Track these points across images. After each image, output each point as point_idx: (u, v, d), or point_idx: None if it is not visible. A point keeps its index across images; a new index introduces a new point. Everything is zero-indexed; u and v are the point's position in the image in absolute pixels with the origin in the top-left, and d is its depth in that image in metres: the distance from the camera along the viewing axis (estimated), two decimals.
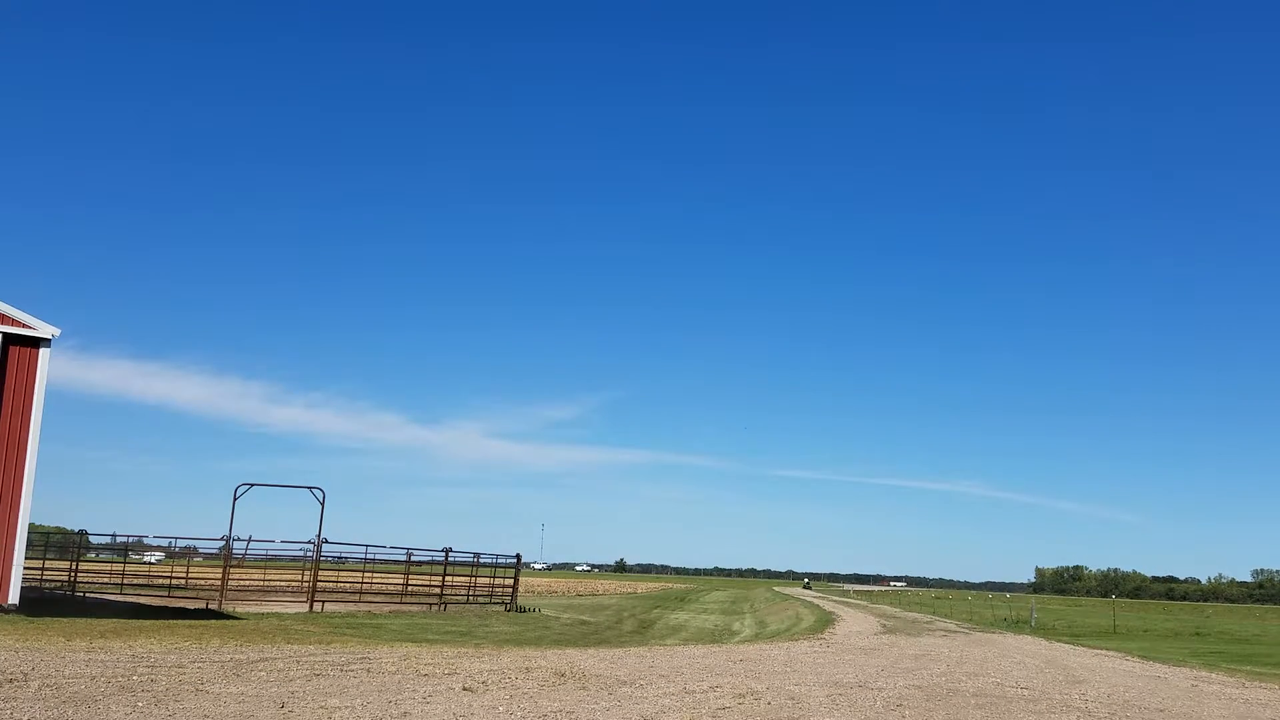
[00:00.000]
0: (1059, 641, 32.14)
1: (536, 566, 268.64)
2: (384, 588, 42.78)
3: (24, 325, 22.20)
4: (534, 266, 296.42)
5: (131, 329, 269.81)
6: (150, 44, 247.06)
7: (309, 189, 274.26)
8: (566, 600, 60.13)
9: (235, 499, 34.57)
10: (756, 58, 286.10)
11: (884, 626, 37.56)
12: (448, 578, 39.90)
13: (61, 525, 71.24)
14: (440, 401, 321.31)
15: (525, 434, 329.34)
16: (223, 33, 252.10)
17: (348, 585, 43.37)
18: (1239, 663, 25.22)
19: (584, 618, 40.36)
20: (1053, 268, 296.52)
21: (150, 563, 70.46)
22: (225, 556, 36.14)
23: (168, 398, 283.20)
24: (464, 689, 12.87)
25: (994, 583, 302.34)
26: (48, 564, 38.37)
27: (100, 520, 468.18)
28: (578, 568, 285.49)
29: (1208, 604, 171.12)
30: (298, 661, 15.32)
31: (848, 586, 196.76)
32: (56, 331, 22.56)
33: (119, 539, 43.24)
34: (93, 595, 35.02)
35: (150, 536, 49.10)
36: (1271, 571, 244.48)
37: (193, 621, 24.42)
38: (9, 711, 9.85)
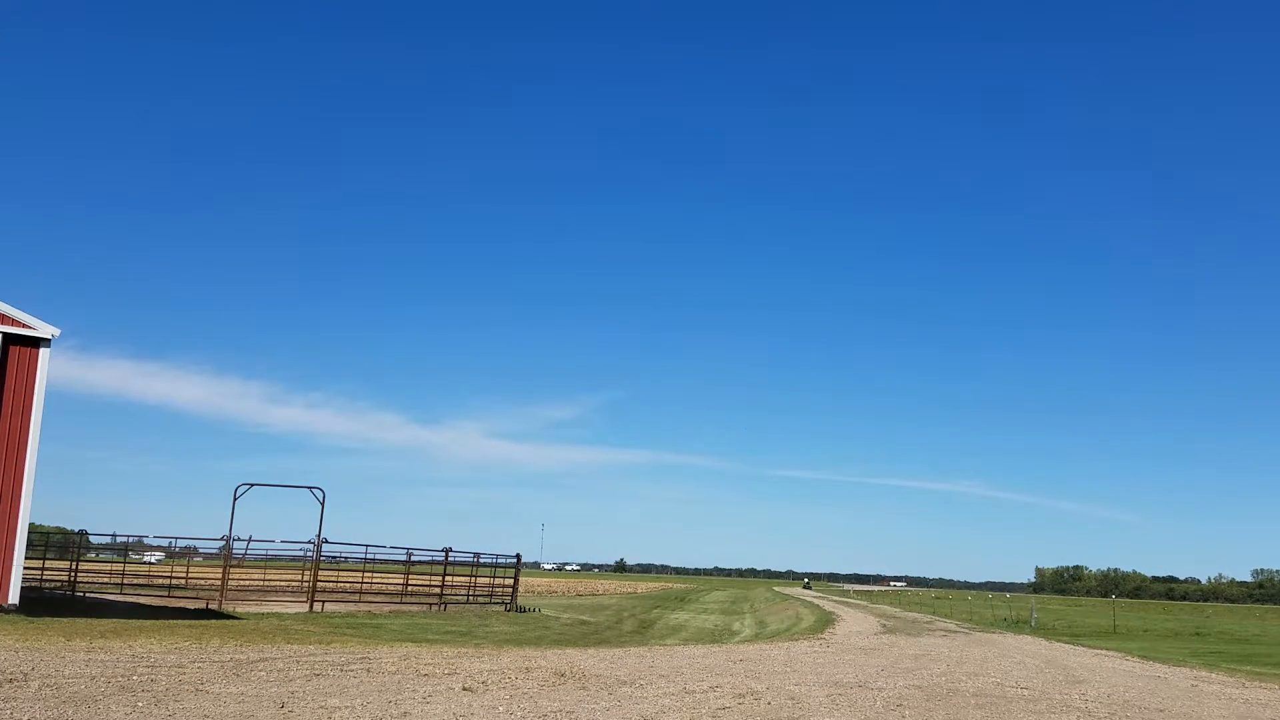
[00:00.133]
0: (1059, 641, 32.14)
1: (547, 567, 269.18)
2: (384, 588, 42.78)
3: (24, 325, 22.20)
4: (534, 266, 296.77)
5: (131, 329, 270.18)
6: (150, 44, 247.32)
7: (309, 189, 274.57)
8: (566, 600, 60.14)
9: (235, 499, 34.59)
10: (756, 58, 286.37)
11: (884, 626, 37.56)
12: (448, 578, 39.90)
13: (61, 525, 71.31)
14: (440, 401, 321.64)
15: (525, 434, 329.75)
16: (223, 33, 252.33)
17: (348, 585, 43.37)
18: (1239, 663, 25.21)
19: (584, 618, 40.37)
20: (1053, 268, 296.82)
21: (150, 563, 70.49)
22: (225, 556, 36.14)
23: (168, 398, 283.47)
24: (464, 689, 12.87)
25: (994, 583, 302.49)
26: (48, 564, 38.36)
27: (100, 520, 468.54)
28: (567, 567, 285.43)
29: (1208, 604, 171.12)
30: (298, 661, 15.32)
31: (848, 586, 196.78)
32: (56, 331, 22.56)
33: (119, 539, 43.24)
34: (93, 595, 35.02)
35: (150, 536, 49.15)
36: (1271, 571, 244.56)
37: (193, 621, 24.42)
38: (9, 711, 9.85)
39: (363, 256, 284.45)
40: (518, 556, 45.10)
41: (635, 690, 13.55)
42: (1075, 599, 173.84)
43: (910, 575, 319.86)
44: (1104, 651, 27.89)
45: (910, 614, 53.57)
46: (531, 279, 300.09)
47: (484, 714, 10.94)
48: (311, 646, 18.18)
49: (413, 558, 41.34)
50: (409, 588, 41.17)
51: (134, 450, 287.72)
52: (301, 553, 43.01)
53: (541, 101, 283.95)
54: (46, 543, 42.04)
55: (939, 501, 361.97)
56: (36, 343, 22.39)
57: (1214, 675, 20.75)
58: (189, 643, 17.76)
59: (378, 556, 41.01)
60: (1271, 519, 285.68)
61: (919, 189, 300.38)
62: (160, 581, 42.83)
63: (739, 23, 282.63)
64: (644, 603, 62.65)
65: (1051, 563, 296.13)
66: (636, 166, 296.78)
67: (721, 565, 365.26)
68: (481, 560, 43.48)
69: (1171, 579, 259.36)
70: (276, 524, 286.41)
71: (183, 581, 40.98)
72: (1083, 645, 30.58)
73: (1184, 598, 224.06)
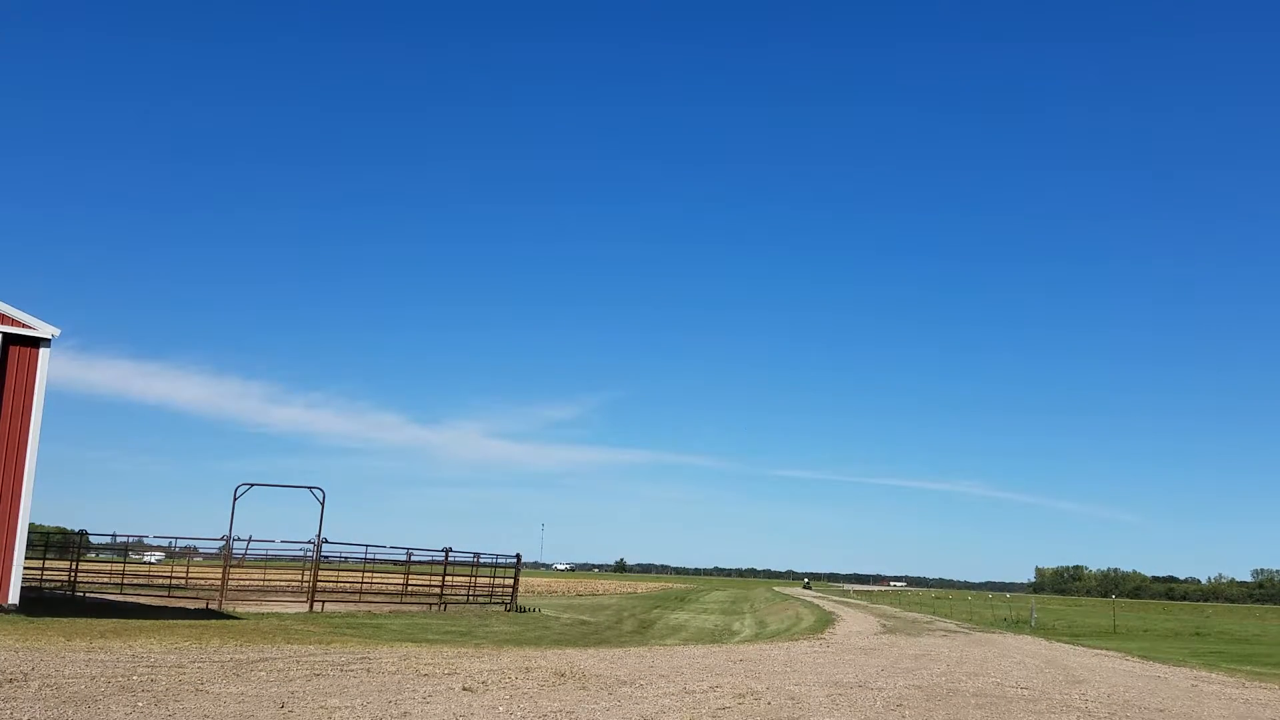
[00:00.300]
0: (1059, 641, 32.14)
1: (561, 567, 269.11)
2: (384, 588, 42.77)
3: (24, 325, 22.20)
4: (534, 266, 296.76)
5: (131, 329, 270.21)
6: (150, 44, 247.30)
7: (309, 189, 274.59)
8: (566, 600, 60.14)
9: (235, 499, 34.59)
10: (756, 58, 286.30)
11: (884, 626, 37.56)
12: (448, 578, 39.89)
13: (61, 525, 71.25)
14: (440, 401, 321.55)
15: (525, 434, 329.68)
16: (223, 33, 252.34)
17: (348, 585, 43.37)
18: (1239, 663, 25.21)
19: (584, 618, 40.38)
20: (1053, 268, 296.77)
21: (150, 563, 70.50)
22: (225, 556, 36.14)
23: (168, 398, 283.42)
24: (464, 689, 12.87)
25: (994, 583, 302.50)
26: (48, 564, 38.35)
27: (100, 520, 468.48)
28: (556, 566, 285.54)
29: (1208, 604, 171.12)
30: (298, 661, 15.32)
31: (848, 586, 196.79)
32: (56, 331, 22.56)
33: (119, 539, 43.23)
34: (93, 595, 35.02)
35: (150, 536, 49.16)
36: (1271, 571, 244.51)
37: (193, 621, 24.42)
38: (9, 711, 9.85)
39: (363, 256, 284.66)
40: (518, 556, 45.11)
41: (635, 690, 13.55)
42: (1075, 599, 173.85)
43: (910, 575, 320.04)
44: (1104, 651, 27.89)
45: (910, 614, 53.57)
46: (531, 279, 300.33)
47: (484, 714, 10.95)
48: (311, 646, 18.18)
49: (413, 558, 41.34)
50: (409, 588, 41.16)
51: (134, 450, 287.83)
52: (301, 553, 43.02)
53: (541, 101, 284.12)
54: (46, 543, 42.02)
55: (939, 501, 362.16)
56: (36, 343, 22.39)
57: (1214, 675, 20.75)
58: (189, 643, 17.76)
59: (378, 556, 41.02)
60: (1271, 519, 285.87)
61: (919, 189, 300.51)
62: (160, 581, 42.84)
63: (739, 23, 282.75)
64: (644, 603, 62.66)
65: (1051, 563, 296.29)
66: (636, 166, 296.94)
67: (721, 565, 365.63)
68: (481, 560, 43.49)
69: (1171, 579, 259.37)
70: (276, 524, 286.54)
71: (183, 581, 40.98)
72: (1083, 645, 30.58)
73: (1184, 598, 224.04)
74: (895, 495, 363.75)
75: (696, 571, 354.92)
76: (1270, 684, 19.10)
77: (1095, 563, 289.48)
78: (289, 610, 32.07)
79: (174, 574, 45.05)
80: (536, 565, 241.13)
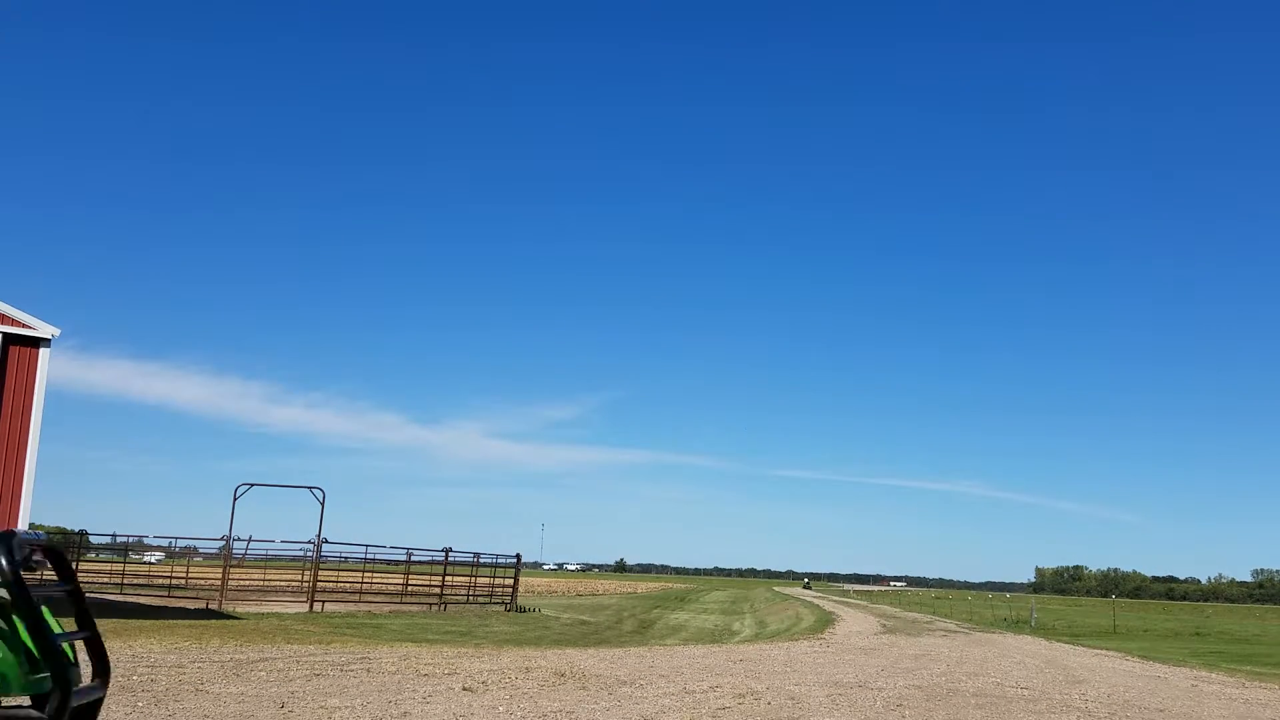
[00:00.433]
0: (1059, 641, 32.14)
1: (571, 567, 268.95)
2: (384, 588, 42.77)
3: (24, 325, 22.20)
4: (534, 266, 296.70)
5: (131, 329, 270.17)
6: (150, 44, 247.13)
7: (309, 189, 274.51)
8: (566, 600, 60.13)
9: (235, 499, 34.58)
10: (757, 58, 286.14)
11: (884, 626, 37.56)
12: (448, 578, 39.88)
13: (61, 525, 71.27)
14: (440, 401, 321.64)
15: (525, 434, 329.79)
16: (223, 33, 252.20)
17: (348, 585, 43.36)
18: (1239, 663, 25.21)
19: (584, 618, 40.37)
20: (1053, 268, 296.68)
21: (150, 563, 70.51)
22: (225, 556, 36.14)
23: (168, 398, 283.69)
24: (464, 689, 12.87)
25: (994, 583, 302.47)
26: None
27: (100, 520, 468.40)
28: (568, 566, 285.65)
29: (1208, 604, 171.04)
30: (298, 661, 15.32)
31: (848, 586, 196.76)
32: (56, 331, 22.56)
33: (119, 539, 43.25)
34: (92, 595, 35.02)
35: (150, 536, 49.24)
36: (1271, 571, 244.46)
37: (193, 621, 24.42)
38: None
39: (363, 256, 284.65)
40: (518, 556, 45.10)
41: (635, 690, 13.55)
42: (1075, 599, 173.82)
43: (910, 575, 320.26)
44: (1104, 651, 27.89)
45: (910, 614, 53.56)
46: (531, 279, 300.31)
47: (484, 714, 10.94)
48: (311, 646, 18.18)
49: (413, 558, 41.34)
50: (409, 588, 41.15)
51: (134, 450, 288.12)
52: (301, 553, 43.02)
53: (541, 101, 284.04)
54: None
55: (939, 501, 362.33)
56: (36, 343, 22.39)
57: (1214, 675, 20.75)
58: (189, 643, 17.76)
59: (378, 556, 41.02)
60: (1271, 519, 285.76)
61: (919, 189, 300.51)
62: (160, 581, 42.83)
63: (739, 22, 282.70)
64: (644, 603, 62.66)
65: (1051, 563, 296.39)
66: (636, 166, 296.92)
67: (721, 565, 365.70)
68: (481, 560, 43.49)
69: (1171, 579, 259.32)
70: (276, 524, 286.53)
71: (183, 581, 40.98)
72: (1083, 645, 30.57)
73: (1184, 598, 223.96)
74: (895, 495, 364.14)
75: (696, 571, 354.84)
76: (1270, 684, 19.10)
77: (1095, 563, 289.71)
78: (289, 610, 32.07)
79: (174, 574, 45.05)
80: (537, 565, 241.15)
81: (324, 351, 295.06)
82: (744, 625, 43.89)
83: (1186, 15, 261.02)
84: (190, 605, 32.39)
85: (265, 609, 32.40)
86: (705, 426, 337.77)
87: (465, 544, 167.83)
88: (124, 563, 42.38)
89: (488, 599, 42.10)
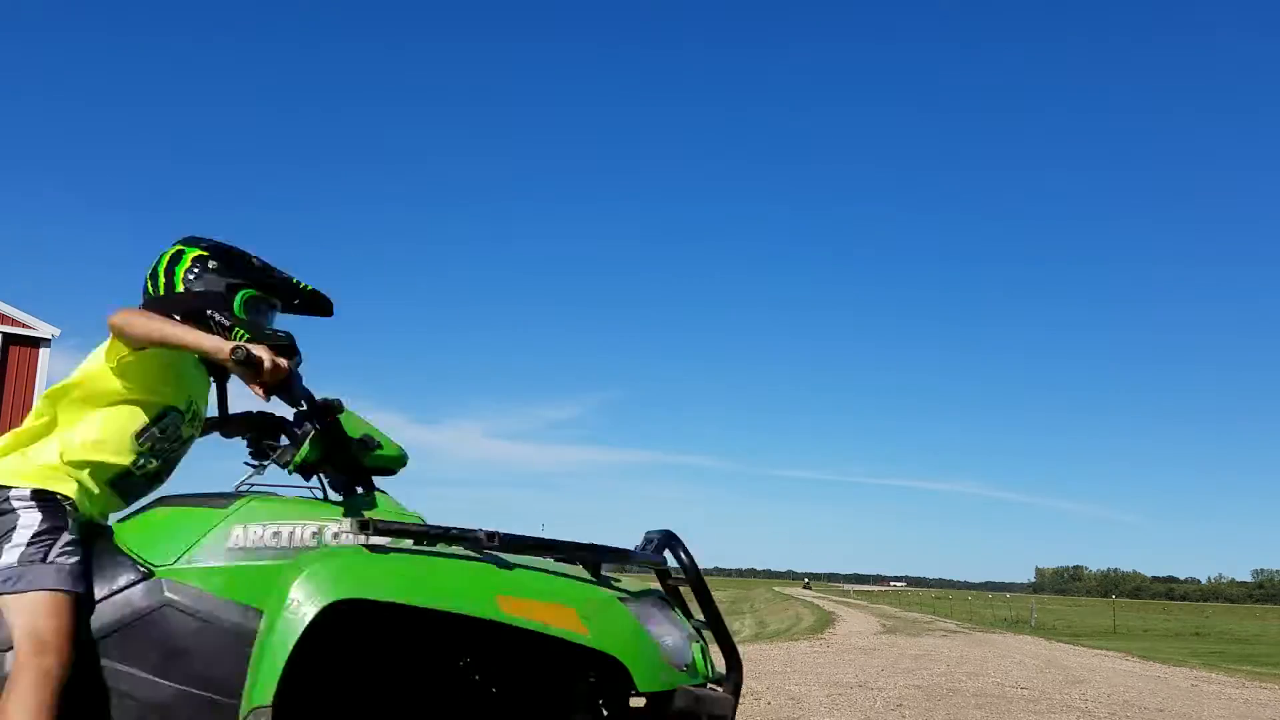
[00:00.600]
0: (1059, 641, 32.14)
1: None
2: None
3: (24, 325, 22.22)
4: (534, 266, 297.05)
5: None
6: (151, 43, 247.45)
7: (309, 189, 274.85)
8: None
9: None
10: (756, 57, 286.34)
11: (884, 626, 37.58)
12: None
13: None
14: (440, 401, 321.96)
15: (525, 434, 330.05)
16: (223, 33, 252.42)
17: None
18: (1239, 663, 25.22)
19: None
20: (1053, 267, 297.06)
21: None
22: None
23: None
24: None
25: (994, 583, 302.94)
26: None
27: None
28: None
29: (1208, 604, 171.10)
30: None
31: (848, 586, 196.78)
32: (56, 331, 22.57)
33: None
34: None
35: None
36: (1271, 571, 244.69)
37: None
38: None
39: (363, 256, 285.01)
40: None
41: None
42: (1075, 599, 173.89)
43: (910, 575, 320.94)
44: (1104, 652, 27.90)
45: (910, 614, 53.58)
46: (531, 279, 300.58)
47: None
48: None
49: None
50: None
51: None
52: None
53: (542, 101, 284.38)
54: None
55: (939, 501, 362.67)
56: (36, 343, 22.40)
57: (1214, 675, 20.76)
58: None
59: None
60: (1271, 519, 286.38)
61: (919, 189, 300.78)
62: None
63: (739, 22, 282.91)
64: None
65: (1051, 563, 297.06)
66: (637, 166, 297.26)
67: (721, 565, 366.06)
68: None
69: (1171, 579, 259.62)
70: None
71: None
72: (1083, 645, 30.58)
73: (1184, 598, 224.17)
74: (895, 495, 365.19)
75: None
76: (1270, 684, 19.11)
77: (1095, 563, 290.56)
78: None
79: None
80: None
81: (324, 351, 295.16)
82: (744, 625, 43.88)
83: (1186, 15, 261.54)
84: None
85: None
86: (705, 426, 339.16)
87: None
88: None
89: None
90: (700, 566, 3.46)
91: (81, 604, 2.63)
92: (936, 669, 19.19)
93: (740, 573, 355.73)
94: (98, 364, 2.91)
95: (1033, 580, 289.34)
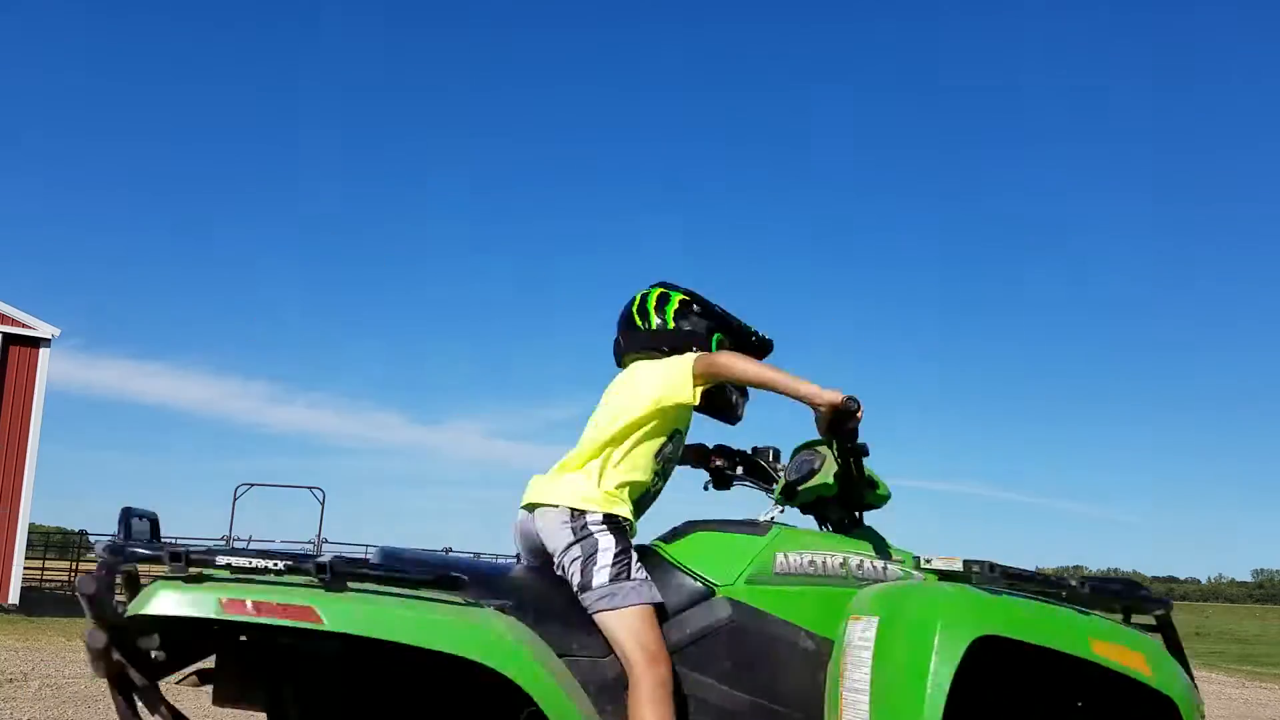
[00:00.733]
0: None
1: None
2: None
3: (24, 325, 22.19)
4: (534, 266, 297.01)
5: (133, 328, 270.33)
6: (150, 43, 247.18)
7: (309, 188, 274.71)
8: None
9: (235, 499, 34.53)
10: (756, 56, 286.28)
11: None
12: None
13: (61, 525, 71.12)
14: (440, 401, 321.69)
15: (525, 434, 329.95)
16: (223, 32, 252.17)
17: None
18: (1239, 663, 25.22)
19: None
20: (1053, 267, 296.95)
21: None
22: None
23: (168, 397, 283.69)
24: None
25: None
26: (48, 564, 38.32)
27: (100, 520, 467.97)
28: None
29: (1208, 604, 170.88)
30: None
31: None
32: (56, 331, 22.54)
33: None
34: None
35: None
36: (1271, 571, 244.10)
37: None
38: (9, 711, 9.86)
39: (363, 256, 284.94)
40: (517, 556, 45.00)
41: None
42: None
43: None
44: None
45: None
46: (531, 279, 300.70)
47: None
48: None
49: None
50: None
51: (134, 450, 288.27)
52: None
53: (542, 100, 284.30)
54: (46, 543, 42.01)
55: (939, 501, 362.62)
56: (36, 343, 22.38)
57: (1214, 675, 20.75)
58: None
59: None
60: (1271, 519, 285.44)
61: (919, 189, 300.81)
62: None
63: (740, 22, 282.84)
64: None
65: (1052, 563, 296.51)
66: (637, 162, 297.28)
67: None
68: (482, 560, 43.50)
69: (1171, 579, 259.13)
70: (276, 524, 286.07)
71: None
72: None
73: (1184, 598, 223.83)
74: (895, 495, 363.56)
75: None
76: (1270, 684, 19.11)
77: (1095, 563, 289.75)
78: None
79: None
80: None
81: (324, 351, 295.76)
82: None
83: (1187, 15, 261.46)
84: None
85: None
86: (704, 426, 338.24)
87: (465, 544, 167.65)
88: None
89: None
90: None
91: (660, 615, 2.94)
92: None
93: None
94: (670, 394, 3.11)
95: None
